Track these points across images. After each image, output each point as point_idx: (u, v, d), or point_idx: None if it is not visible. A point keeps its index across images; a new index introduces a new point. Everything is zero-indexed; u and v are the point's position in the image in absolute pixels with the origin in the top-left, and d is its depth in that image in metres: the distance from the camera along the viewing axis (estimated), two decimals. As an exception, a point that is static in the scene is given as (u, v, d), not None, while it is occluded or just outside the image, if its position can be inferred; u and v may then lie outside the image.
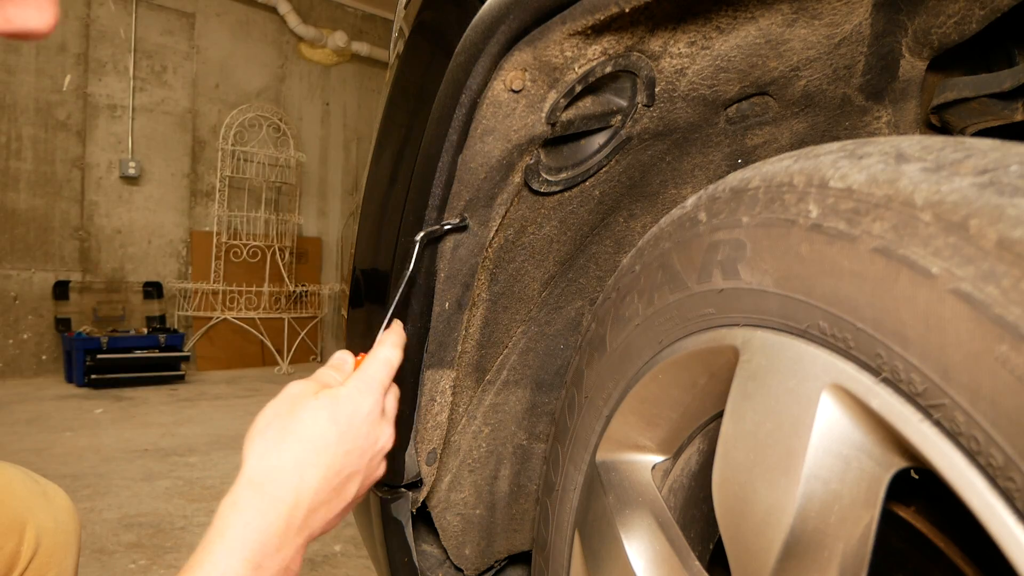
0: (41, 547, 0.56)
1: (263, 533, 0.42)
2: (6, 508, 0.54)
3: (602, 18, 0.49)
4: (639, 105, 0.59)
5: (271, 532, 0.42)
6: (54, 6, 0.32)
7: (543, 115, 0.57)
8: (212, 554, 0.40)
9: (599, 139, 0.63)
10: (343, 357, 0.56)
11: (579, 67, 0.55)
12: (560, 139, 0.64)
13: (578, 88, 0.56)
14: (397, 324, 0.61)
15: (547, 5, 0.51)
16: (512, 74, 0.55)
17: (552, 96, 0.57)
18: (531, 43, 0.53)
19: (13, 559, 0.55)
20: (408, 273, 0.60)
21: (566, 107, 0.58)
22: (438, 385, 0.70)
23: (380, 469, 0.53)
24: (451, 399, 0.71)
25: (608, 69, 0.55)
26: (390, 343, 0.56)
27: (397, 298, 0.62)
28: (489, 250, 0.67)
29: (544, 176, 0.63)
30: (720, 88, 0.60)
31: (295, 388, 0.50)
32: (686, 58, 0.57)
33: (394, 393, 0.56)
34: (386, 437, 0.52)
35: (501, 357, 0.76)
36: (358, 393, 0.50)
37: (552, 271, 0.73)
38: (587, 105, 0.60)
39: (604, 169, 0.65)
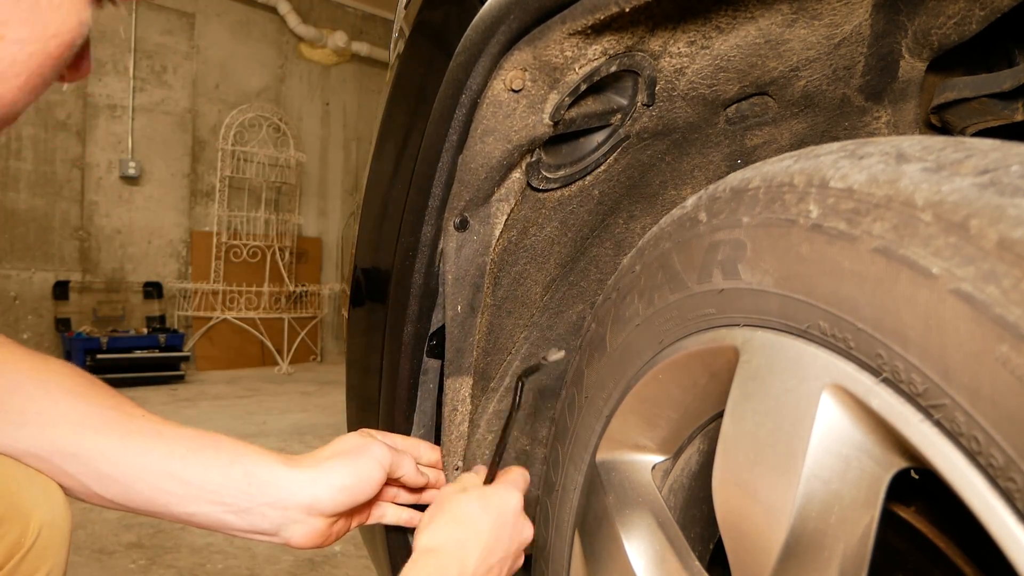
0: (40, 538, 0.56)
1: None
2: (11, 496, 0.55)
3: (602, 18, 0.49)
4: (639, 104, 0.59)
5: None
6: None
7: (545, 115, 0.57)
8: None
9: (598, 137, 0.63)
10: (471, 475, 0.67)
11: (579, 67, 0.55)
12: (559, 137, 0.64)
13: (583, 87, 0.56)
14: (519, 470, 0.70)
15: (547, 5, 0.51)
16: (512, 74, 0.55)
17: (553, 97, 0.57)
18: (531, 43, 0.53)
19: (15, 548, 0.55)
20: (514, 411, 0.66)
21: (570, 106, 0.58)
22: (459, 394, 0.69)
23: (520, 559, 0.63)
24: (470, 407, 0.71)
25: (613, 68, 0.55)
26: (518, 473, 0.67)
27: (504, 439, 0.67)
28: (493, 253, 0.67)
29: (544, 173, 0.63)
30: (720, 88, 0.60)
31: (446, 490, 0.63)
32: (686, 57, 0.57)
33: (521, 472, 0.68)
34: (528, 531, 0.63)
35: (504, 363, 0.76)
36: (504, 490, 0.62)
37: (553, 274, 0.73)
38: (588, 104, 0.60)
39: (603, 168, 0.65)
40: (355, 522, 0.68)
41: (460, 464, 0.71)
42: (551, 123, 0.58)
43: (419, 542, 0.57)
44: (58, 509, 0.59)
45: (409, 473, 0.66)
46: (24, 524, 0.55)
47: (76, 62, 0.39)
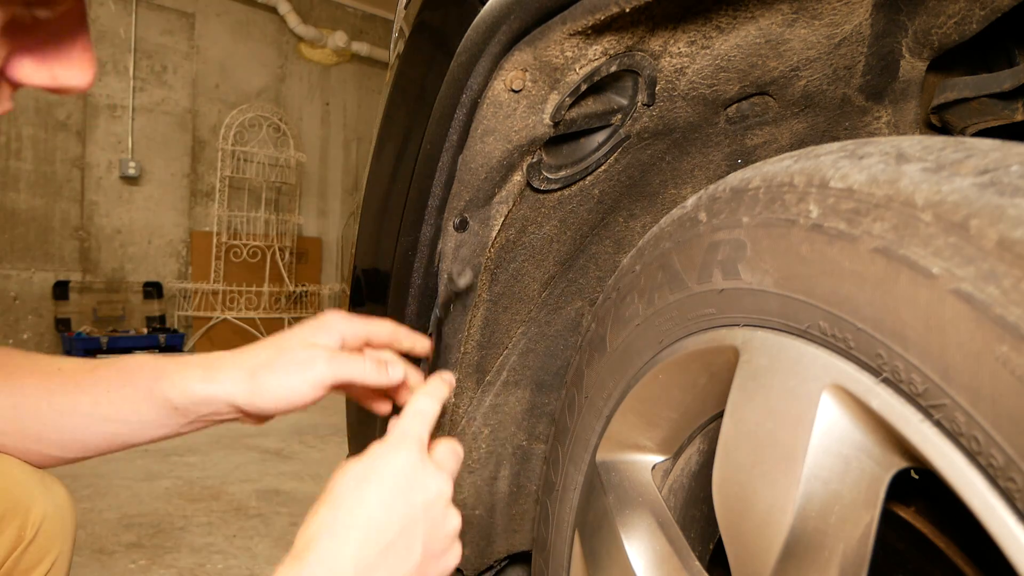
0: (41, 532, 0.58)
1: None
2: (8, 493, 0.56)
3: (602, 18, 0.49)
4: (639, 104, 0.59)
5: None
6: (94, 66, 0.36)
7: (545, 115, 0.57)
8: None
9: (598, 137, 0.63)
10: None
11: (580, 67, 0.55)
12: (560, 138, 0.64)
13: (583, 87, 0.56)
14: (445, 376, 0.60)
15: (548, 5, 0.51)
16: (512, 74, 0.55)
17: (553, 97, 0.57)
18: (531, 43, 0.53)
19: (16, 542, 0.56)
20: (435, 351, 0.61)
21: (570, 106, 0.58)
22: None
23: (450, 521, 0.49)
24: (453, 401, 0.71)
25: (613, 68, 0.55)
26: (426, 394, 0.56)
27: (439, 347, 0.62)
28: (491, 250, 0.67)
29: (545, 174, 0.63)
30: (720, 88, 0.60)
31: (343, 465, 0.50)
32: (686, 57, 0.57)
33: (450, 446, 0.54)
34: (437, 485, 0.48)
35: (501, 358, 0.76)
36: (388, 449, 0.49)
37: (552, 271, 0.73)
38: (589, 104, 0.60)
39: (603, 168, 0.65)
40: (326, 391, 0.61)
41: None
42: (551, 123, 0.58)
43: (296, 541, 0.47)
44: (60, 500, 0.60)
45: (367, 375, 0.58)
46: (23, 518, 0.56)
47: None
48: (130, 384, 0.57)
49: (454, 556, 0.49)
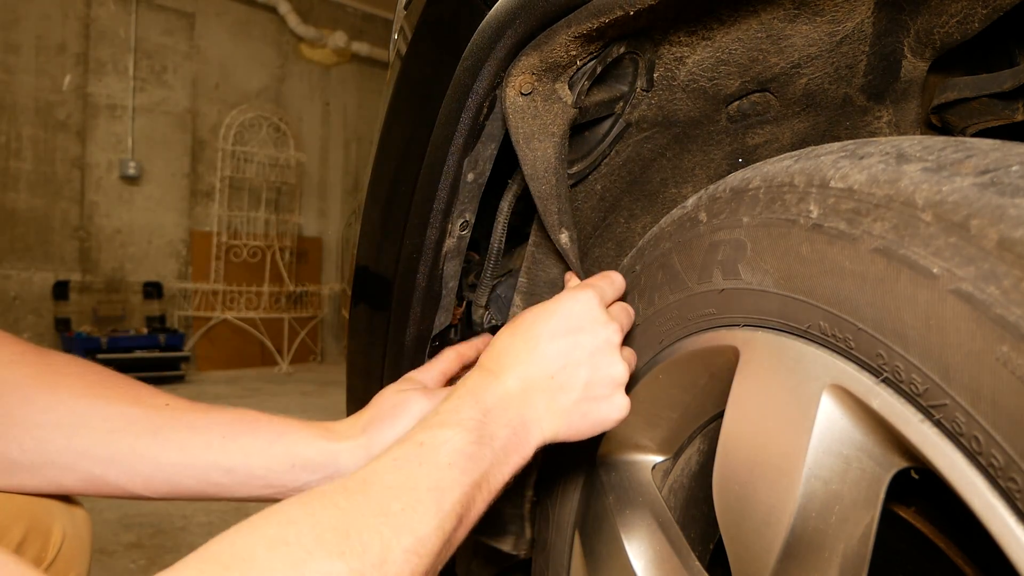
0: (62, 551, 0.57)
1: (487, 391, 0.49)
2: (30, 513, 0.55)
3: (607, 20, 0.50)
4: (638, 90, 0.60)
5: (495, 393, 0.49)
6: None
7: (568, 101, 0.57)
8: (447, 402, 0.47)
9: (603, 128, 0.64)
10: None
11: (581, 59, 0.56)
12: (571, 131, 0.64)
13: (599, 68, 0.56)
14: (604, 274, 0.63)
15: (553, 10, 0.51)
16: (521, 78, 0.55)
17: (561, 86, 0.57)
18: (538, 47, 0.53)
19: (38, 562, 0.56)
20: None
21: (589, 89, 0.58)
22: None
23: (614, 368, 0.52)
24: None
25: (623, 49, 0.56)
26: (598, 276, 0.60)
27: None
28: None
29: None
30: (720, 82, 0.60)
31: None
32: (686, 47, 0.57)
33: (624, 305, 0.57)
34: (606, 334, 0.52)
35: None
36: (569, 293, 0.54)
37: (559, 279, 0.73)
38: (595, 93, 0.61)
39: (605, 160, 0.65)
40: None
41: None
42: (576, 108, 0.58)
43: (482, 359, 0.53)
44: (79, 521, 0.60)
45: None
46: (44, 539, 0.56)
47: None
48: (250, 432, 0.56)
49: (615, 406, 0.51)
